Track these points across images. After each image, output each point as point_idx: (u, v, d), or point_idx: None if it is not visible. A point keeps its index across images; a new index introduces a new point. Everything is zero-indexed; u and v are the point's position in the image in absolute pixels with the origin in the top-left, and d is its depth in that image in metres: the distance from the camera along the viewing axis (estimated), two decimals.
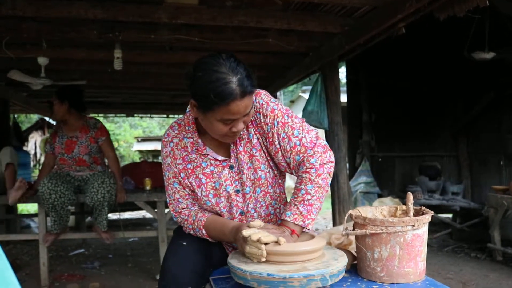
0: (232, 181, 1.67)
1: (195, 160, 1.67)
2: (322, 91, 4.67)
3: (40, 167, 4.64)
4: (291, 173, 1.68)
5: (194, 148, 1.66)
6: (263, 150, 1.66)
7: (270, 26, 3.82)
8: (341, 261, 1.40)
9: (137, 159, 20.06)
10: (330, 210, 4.96)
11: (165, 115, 11.52)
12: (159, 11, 3.46)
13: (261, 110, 1.61)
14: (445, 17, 3.07)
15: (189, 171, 1.67)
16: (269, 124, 1.61)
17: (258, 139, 1.65)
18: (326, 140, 4.72)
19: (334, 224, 4.72)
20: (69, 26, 3.75)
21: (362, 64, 6.87)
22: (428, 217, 1.48)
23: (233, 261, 1.42)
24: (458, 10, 2.94)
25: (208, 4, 3.51)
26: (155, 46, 4.51)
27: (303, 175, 1.58)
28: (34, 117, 14.74)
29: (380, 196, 6.50)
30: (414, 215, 1.55)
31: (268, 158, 1.68)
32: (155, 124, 26.74)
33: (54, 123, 9.77)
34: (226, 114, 1.45)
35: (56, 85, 4.95)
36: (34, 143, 13.16)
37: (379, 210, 1.67)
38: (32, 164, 10.98)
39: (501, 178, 6.48)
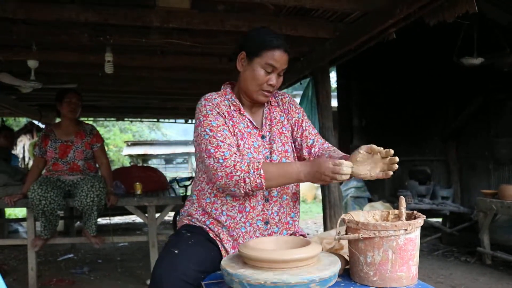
0: (263, 148, 1.84)
1: (237, 118, 1.83)
2: (313, 96, 4.69)
3: (29, 171, 4.57)
4: (307, 154, 1.91)
5: (235, 108, 1.85)
6: (290, 132, 1.94)
7: None
8: (334, 266, 1.40)
9: (127, 163, 19.93)
10: (321, 214, 4.97)
11: (155, 119, 11.48)
12: (151, 15, 3.45)
13: (293, 103, 2.01)
14: (435, 22, 3.10)
15: (233, 124, 1.81)
16: (300, 113, 1.98)
17: (287, 122, 1.95)
18: None
19: (325, 229, 4.73)
20: (60, 29, 3.73)
21: (353, 69, 6.91)
22: (420, 221, 1.48)
23: (227, 266, 1.41)
24: (447, 16, 2.97)
25: (200, 8, 3.51)
26: (147, 50, 4.49)
27: (334, 147, 1.91)
28: (23, 120, 14.59)
29: (370, 200, 6.53)
30: (406, 219, 1.56)
31: (291, 141, 1.94)
32: (145, 128, 26.63)
33: (43, 126, 9.70)
34: (270, 59, 1.75)
35: (46, 89, 4.92)
36: (23, 147, 13.02)
37: (371, 214, 1.67)
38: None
39: (490, 182, 6.54)
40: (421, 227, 1.51)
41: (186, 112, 9.64)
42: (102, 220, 6.03)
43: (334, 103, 5.95)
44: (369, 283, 1.46)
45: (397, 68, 6.89)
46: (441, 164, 7.44)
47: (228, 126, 1.78)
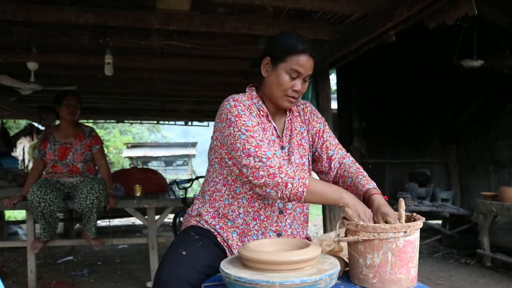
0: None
1: (264, 123, 1.80)
2: (313, 98, 4.69)
3: (29, 173, 4.57)
4: (328, 165, 1.89)
5: (262, 114, 1.82)
6: (309, 144, 1.91)
7: (262, 32, 3.83)
8: (334, 268, 1.40)
9: (127, 165, 19.94)
10: (321, 216, 4.97)
11: (155, 121, 11.48)
12: (151, 17, 3.45)
13: (315, 112, 1.97)
14: (435, 25, 3.10)
15: (263, 129, 1.77)
16: (321, 123, 1.95)
17: (306, 134, 1.91)
18: None
19: (325, 231, 4.73)
20: (60, 31, 3.74)
21: (353, 71, 6.91)
22: (420, 223, 1.48)
23: (226, 268, 1.41)
24: (447, 19, 2.97)
25: (200, 10, 3.51)
26: (147, 52, 4.50)
27: (356, 165, 1.86)
28: (23, 123, 14.60)
29: None
30: (406, 221, 1.56)
31: (309, 153, 1.91)
32: (145, 130, 26.63)
33: (42, 128, 9.69)
34: (295, 65, 1.72)
35: (46, 91, 4.93)
36: (23, 149, 13.02)
37: None
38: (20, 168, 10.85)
39: (489, 185, 6.54)
40: (421, 229, 1.51)
41: (186, 114, 9.65)
42: (101, 222, 6.03)
43: (334, 105, 5.95)
44: (369, 285, 1.45)
45: (397, 70, 6.89)
46: (441, 166, 7.44)
47: (260, 126, 1.73)
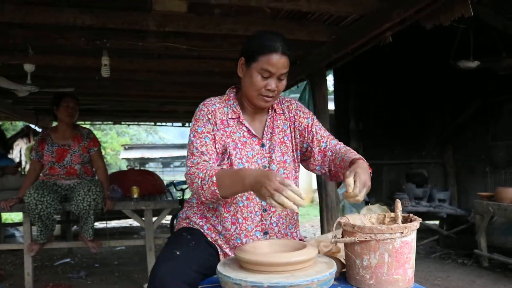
0: (262, 157, 1.82)
1: (233, 127, 1.81)
2: (310, 99, 4.70)
3: (26, 174, 4.56)
4: (321, 159, 1.87)
5: (233, 116, 1.82)
6: (293, 142, 1.89)
7: None
8: (331, 269, 1.40)
9: (124, 167, 19.90)
10: (318, 217, 4.97)
11: (152, 123, 11.47)
12: (148, 18, 3.45)
13: (300, 109, 1.94)
14: (431, 26, 3.11)
15: (227, 133, 1.79)
16: (309, 118, 1.92)
17: (290, 132, 1.89)
18: None
19: (322, 232, 4.73)
20: (57, 32, 3.73)
21: (350, 72, 6.92)
22: (416, 224, 1.48)
23: (223, 270, 1.41)
24: (443, 20, 2.98)
25: (196, 12, 3.51)
26: (144, 53, 4.50)
27: (347, 148, 1.86)
28: (20, 125, 14.56)
29: (367, 203, 6.52)
30: (403, 222, 1.56)
31: (294, 150, 1.89)
32: (143, 131, 26.61)
33: (40, 130, 9.67)
34: (266, 64, 1.71)
35: (43, 92, 4.92)
36: (19, 151, 12.97)
37: (367, 217, 1.67)
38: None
39: (486, 185, 6.55)
40: (418, 229, 1.51)
41: (183, 115, 9.64)
42: (99, 224, 6.03)
43: (331, 106, 5.95)
44: (366, 286, 1.46)
45: (395, 71, 6.90)
46: (438, 167, 7.45)
47: (214, 134, 1.75)
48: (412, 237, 1.47)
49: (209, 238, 1.79)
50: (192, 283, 1.58)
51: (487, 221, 4.95)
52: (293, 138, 1.90)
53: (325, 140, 1.89)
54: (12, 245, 5.55)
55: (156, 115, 10.06)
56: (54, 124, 4.54)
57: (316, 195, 7.15)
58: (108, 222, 5.37)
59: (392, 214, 1.63)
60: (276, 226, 1.80)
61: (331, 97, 6.62)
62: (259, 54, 1.72)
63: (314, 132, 1.89)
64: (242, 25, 3.67)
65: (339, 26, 3.92)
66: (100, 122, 13.50)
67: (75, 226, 6.50)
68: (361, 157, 1.74)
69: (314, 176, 8.70)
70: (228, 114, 1.82)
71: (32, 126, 10.94)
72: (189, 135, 1.79)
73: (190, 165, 1.69)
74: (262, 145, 1.83)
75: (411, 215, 1.58)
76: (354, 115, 7.13)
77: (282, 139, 1.87)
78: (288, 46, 1.76)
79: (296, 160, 1.91)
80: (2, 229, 6.67)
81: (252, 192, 1.64)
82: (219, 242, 1.78)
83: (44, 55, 4.27)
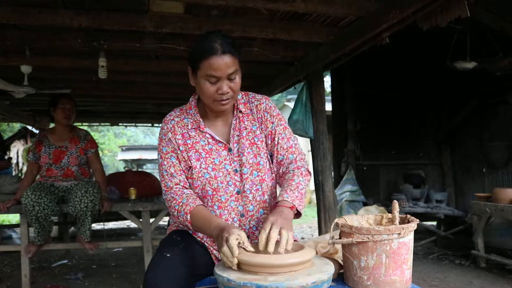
0: (231, 162, 1.77)
1: (194, 137, 1.77)
2: (308, 100, 4.70)
3: (23, 176, 4.55)
4: (277, 170, 1.82)
5: (194, 126, 1.79)
6: (264, 143, 1.82)
7: (256, 35, 3.84)
8: (328, 270, 1.40)
9: (121, 168, 19.89)
10: (316, 218, 4.97)
11: (150, 124, 11.46)
12: (145, 20, 3.45)
13: (269, 111, 1.84)
14: (428, 27, 3.12)
15: (189, 146, 1.76)
16: (274, 123, 1.82)
17: (260, 132, 1.82)
18: (312, 149, 4.76)
19: (320, 233, 4.73)
20: (54, 34, 3.72)
21: (347, 73, 6.93)
22: (413, 225, 1.49)
23: (220, 271, 1.41)
24: (440, 21, 2.99)
25: (193, 13, 3.51)
26: (141, 54, 4.49)
27: (296, 170, 1.75)
28: (17, 126, 14.54)
29: (365, 204, 6.53)
30: (400, 223, 1.56)
31: (266, 151, 1.82)
32: (140, 133, 26.58)
33: (37, 131, 9.65)
34: (209, 70, 1.62)
35: (40, 94, 4.91)
36: (17, 152, 12.96)
37: (365, 218, 1.68)
38: (14, 173, 10.81)
39: (484, 186, 6.57)
40: (416, 230, 1.52)
41: None
42: (96, 226, 6.00)
43: (329, 107, 5.96)
44: (363, 287, 1.46)
45: (392, 72, 6.92)
46: (435, 167, 7.47)
47: (177, 153, 1.75)
48: (409, 238, 1.47)
49: (198, 238, 1.81)
50: (183, 284, 1.58)
51: (485, 222, 4.96)
52: (264, 138, 1.83)
53: (283, 152, 1.80)
54: (9, 247, 5.54)
55: (153, 116, 10.04)
56: (52, 125, 4.53)
57: (314, 196, 7.16)
58: (106, 223, 5.37)
59: (390, 215, 1.63)
60: (256, 230, 1.78)
61: (328, 98, 6.63)
62: (200, 60, 1.63)
63: (276, 142, 1.81)
64: (239, 26, 3.67)
65: (336, 27, 3.93)
66: (97, 124, 13.47)
67: (72, 228, 6.48)
68: (290, 197, 1.64)
69: (312, 176, 8.67)
70: (188, 125, 1.78)
71: (29, 127, 10.92)
72: (157, 155, 1.81)
73: (165, 189, 1.76)
74: (229, 150, 1.78)
75: (408, 216, 1.59)
76: (351, 116, 7.14)
77: (252, 140, 1.80)
78: (229, 43, 1.65)
79: (271, 162, 1.85)
80: None
81: (223, 200, 1.74)
82: (208, 241, 1.80)
83: (41, 56, 4.26)
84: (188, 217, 1.65)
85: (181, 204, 1.68)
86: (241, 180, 1.75)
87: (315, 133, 4.64)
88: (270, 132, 1.81)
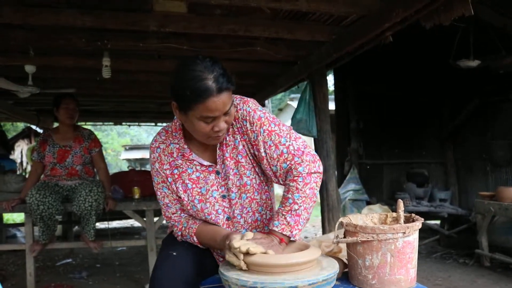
0: (219, 187, 1.69)
1: (181, 166, 1.69)
2: (311, 99, 4.69)
3: (27, 175, 4.57)
4: (278, 182, 1.67)
5: (180, 154, 1.68)
6: (249, 157, 1.67)
7: (259, 34, 3.84)
8: (333, 269, 1.40)
9: (125, 167, 19.91)
10: (319, 217, 4.97)
11: (153, 123, 11.48)
12: (148, 19, 3.45)
13: (248, 118, 1.62)
14: (431, 25, 3.10)
15: (176, 176, 1.69)
16: (256, 132, 1.61)
17: (244, 146, 1.66)
18: (315, 148, 4.76)
19: (324, 232, 4.72)
20: (57, 34, 3.72)
21: (350, 72, 6.92)
22: (418, 224, 1.49)
23: (225, 271, 1.42)
24: (444, 19, 2.98)
25: (197, 12, 3.51)
26: (144, 54, 4.49)
27: (290, 183, 1.58)
28: (21, 126, 14.57)
29: (368, 203, 6.53)
30: (405, 222, 1.56)
31: (254, 164, 1.69)
32: (143, 132, 26.62)
33: (41, 131, 9.67)
34: (204, 111, 1.46)
35: (44, 93, 4.92)
36: (21, 152, 13.00)
37: (369, 217, 1.68)
38: (18, 172, 10.84)
39: (487, 184, 6.55)
40: (419, 229, 1.52)
41: None
42: (100, 225, 6.02)
43: (332, 106, 5.95)
44: (368, 286, 1.46)
45: (395, 71, 6.91)
46: (438, 166, 7.45)
47: (167, 184, 1.70)
48: (414, 237, 1.47)
49: None
50: (190, 282, 1.59)
51: (488, 220, 4.95)
52: (248, 152, 1.66)
53: (275, 163, 1.61)
54: (14, 246, 5.57)
55: (156, 115, 10.06)
56: (56, 125, 4.54)
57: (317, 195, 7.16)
58: (110, 222, 5.38)
59: (394, 214, 1.63)
60: (241, 218, 1.73)
61: (331, 97, 6.62)
62: (193, 102, 1.45)
63: (263, 153, 1.61)
64: (242, 25, 3.67)
65: (339, 26, 3.92)
66: (101, 123, 13.50)
67: (76, 227, 6.52)
68: (278, 227, 1.56)
69: None
70: (174, 153, 1.68)
71: (33, 127, 10.94)
72: (152, 179, 1.76)
73: (164, 216, 1.79)
74: (217, 173, 1.68)
75: (413, 215, 1.59)
76: (354, 114, 7.13)
77: (236, 158, 1.66)
78: (224, 75, 1.47)
79: (261, 175, 1.71)
80: (4, 229, 6.68)
81: (207, 206, 1.69)
82: None
83: (45, 56, 4.27)
84: (195, 239, 1.69)
85: (183, 229, 1.72)
86: (229, 206, 1.70)
87: (319, 132, 4.64)
88: (254, 143, 1.63)
